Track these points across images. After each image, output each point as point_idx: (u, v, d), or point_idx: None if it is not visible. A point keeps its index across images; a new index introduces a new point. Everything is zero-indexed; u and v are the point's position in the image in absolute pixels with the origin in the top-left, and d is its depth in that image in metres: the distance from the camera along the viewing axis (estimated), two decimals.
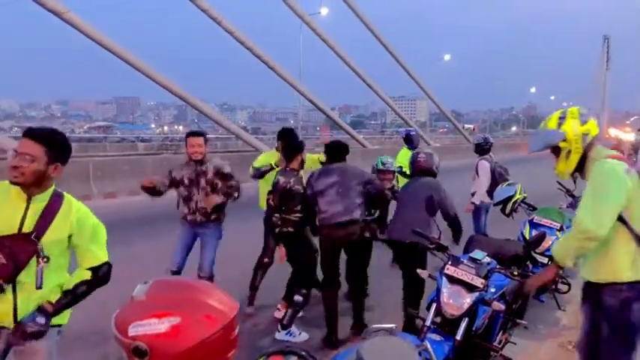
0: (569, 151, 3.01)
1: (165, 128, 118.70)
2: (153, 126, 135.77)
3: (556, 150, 3.06)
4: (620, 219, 2.85)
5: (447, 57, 66.62)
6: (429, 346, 2.84)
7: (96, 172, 13.45)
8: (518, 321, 4.64)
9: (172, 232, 9.41)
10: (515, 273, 3.82)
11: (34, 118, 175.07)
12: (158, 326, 1.34)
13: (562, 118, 3.06)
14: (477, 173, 7.79)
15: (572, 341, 5.10)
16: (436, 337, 3.53)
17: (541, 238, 4.17)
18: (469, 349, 3.74)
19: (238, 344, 1.47)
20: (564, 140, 3.00)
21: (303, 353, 1.70)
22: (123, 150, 31.18)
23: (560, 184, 8.54)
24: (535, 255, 5.38)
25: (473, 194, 7.81)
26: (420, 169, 5.30)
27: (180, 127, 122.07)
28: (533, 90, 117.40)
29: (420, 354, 2.62)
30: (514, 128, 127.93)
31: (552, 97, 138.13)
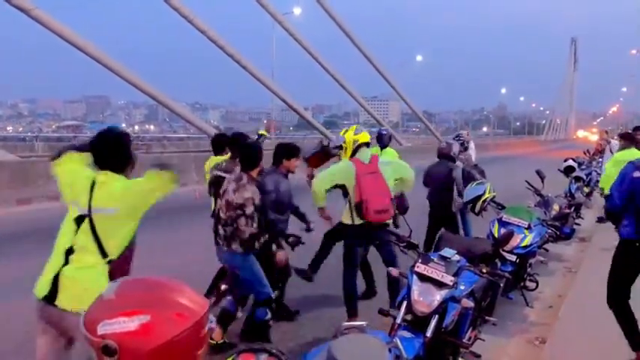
0: (346, 149, 5.30)
1: (136, 127, 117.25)
2: (123, 125, 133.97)
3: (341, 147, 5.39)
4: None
5: (419, 57, 66.99)
6: (399, 342, 2.88)
7: None
8: (487, 318, 4.73)
9: (140, 233, 9.37)
10: (484, 270, 3.89)
11: (0, 116, 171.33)
12: (127, 324, 1.33)
13: (346, 131, 5.44)
14: None
15: (540, 337, 5.22)
16: (407, 334, 3.56)
17: (509, 236, 4.26)
18: (439, 345, 3.79)
19: (208, 342, 1.47)
20: (344, 142, 5.30)
21: (274, 351, 1.71)
22: None
23: (528, 183, 8.73)
24: (503, 253, 5.48)
25: None
26: (440, 155, 7.22)
27: (152, 127, 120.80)
28: (503, 91, 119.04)
29: (390, 350, 2.66)
30: (485, 129, 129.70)
31: (522, 98, 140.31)
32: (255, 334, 4.73)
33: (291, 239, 5.05)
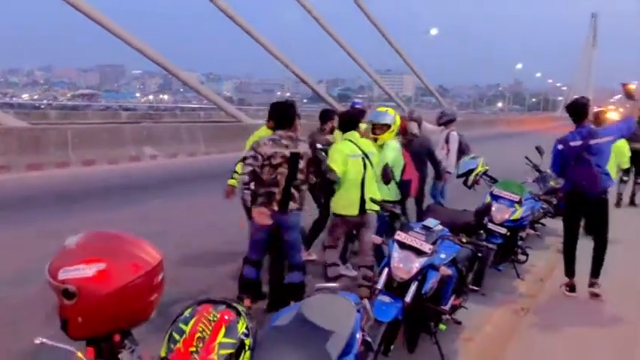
0: (393, 130, 5.57)
1: (151, 97, 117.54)
2: (138, 95, 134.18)
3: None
4: None
5: (433, 31, 66.00)
6: (367, 304, 3.01)
7: (74, 139, 13.43)
8: (472, 287, 4.86)
9: (149, 200, 9.63)
10: (464, 240, 4.01)
11: (16, 84, 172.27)
12: (86, 271, 1.49)
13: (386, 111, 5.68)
14: (448, 143, 7.93)
15: (526, 307, 5.35)
16: (386, 299, 3.71)
17: (488, 208, 4.40)
18: (420, 311, 3.94)
19: (162, 289, 1.62)
20: (394, 123, 5.55)
21: (234, 304, 1.85)
22: (105, 118, 30.91)
23: (527, 159, 8.78)
24: (492, 226, 5.58)
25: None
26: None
27: (166, 97, 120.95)
28: (519, 66, 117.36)
29: (358, 311, 2.80)
30: (500, 104, 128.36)
31: (538, 74, 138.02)
32: (290, 296, 4.63)
33: None
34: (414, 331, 4.06)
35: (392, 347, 3.70)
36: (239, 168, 5.45)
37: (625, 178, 10.15)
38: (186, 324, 1.70)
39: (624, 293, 5.50)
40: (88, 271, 1.48)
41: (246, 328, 1.77)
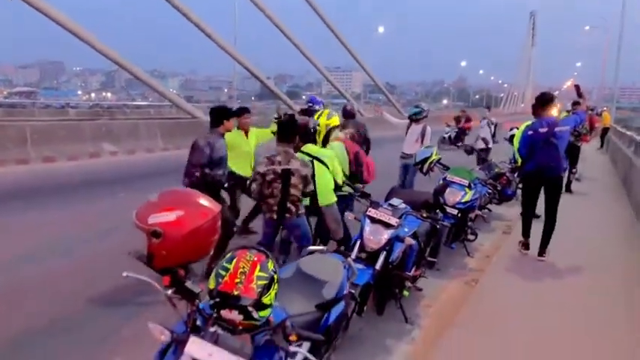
0: (319, 132, 5.75)
1: (93, 95, 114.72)
2: (79, 92, 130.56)
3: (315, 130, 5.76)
4: None
5: (380, 29, 67.35)
6: (351, 261, 3.60)
7: (33, 136, 13.45)
8: (429, 259, 5.52)
9: (111, 195, 9.89)
10: (425, 215, 4.65)
11: None
12: (168, 217, 2.04)
13: (319, 115, 5.96)
14: (423, 136, 8.63)
15: (476, 279, 6.06)
16: (359, 266, 4.29)
17: (444, 187, 5.04)
18: (388, 278, 4.56)
19: (219, 233, 2.17)
20: (318, 125, 5.75)
21: (262, 249, 2.38)
22: (53, 116, 30.36)
23: (474, 149, 9.60)
24: (446, 207, 6.28)
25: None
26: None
27: (109, 94, 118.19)
28: (463, 64, 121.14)
29: (344, 267, 3.39)
30: (445, 101, 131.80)
31: (481, 71, 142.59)
32: None
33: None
34: (383, 297, 4.68)
35: (365, 309, 4.30)
36: None
37: None
38: (230, 263, 2.21)
39: (562, 267, 6.29)
40: (170, 216, 2.02)
41: (274, 266, 2.30)
